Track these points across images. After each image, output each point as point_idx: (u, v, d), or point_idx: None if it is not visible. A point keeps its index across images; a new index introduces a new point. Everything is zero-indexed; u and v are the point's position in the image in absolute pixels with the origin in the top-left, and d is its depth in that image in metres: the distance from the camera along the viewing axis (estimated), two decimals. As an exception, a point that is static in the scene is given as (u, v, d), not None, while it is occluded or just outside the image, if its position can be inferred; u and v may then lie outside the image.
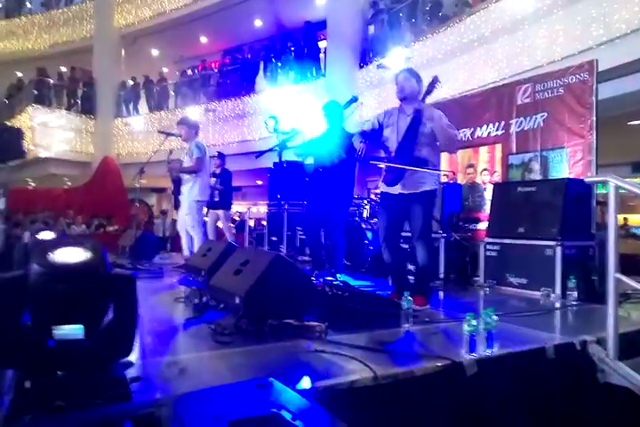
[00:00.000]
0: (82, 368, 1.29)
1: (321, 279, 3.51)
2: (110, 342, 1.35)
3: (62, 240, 1.41)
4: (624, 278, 2.16)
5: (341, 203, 4.21)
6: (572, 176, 4.34)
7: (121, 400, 1.21)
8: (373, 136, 3.27)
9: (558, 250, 3.56)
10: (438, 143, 3.16)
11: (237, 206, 16.12)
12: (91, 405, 1.16)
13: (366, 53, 10.15)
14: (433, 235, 4.40)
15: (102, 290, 1.34)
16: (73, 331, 1.27)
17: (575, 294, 3.42)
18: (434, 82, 3.09)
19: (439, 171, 3.05)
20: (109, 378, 1.32)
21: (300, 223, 6.68)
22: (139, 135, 13.80)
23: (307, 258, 6.14)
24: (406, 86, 3.20)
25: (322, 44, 11.31)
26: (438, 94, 6.96)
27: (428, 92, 3.10)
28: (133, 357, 1.69)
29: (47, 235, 2.12)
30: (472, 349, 1.94)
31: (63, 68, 15.07)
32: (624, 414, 2.18)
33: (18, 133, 6.55)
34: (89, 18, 15.14)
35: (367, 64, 9.76)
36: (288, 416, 0.95)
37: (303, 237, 6.54)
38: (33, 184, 15.57)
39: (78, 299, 1.29)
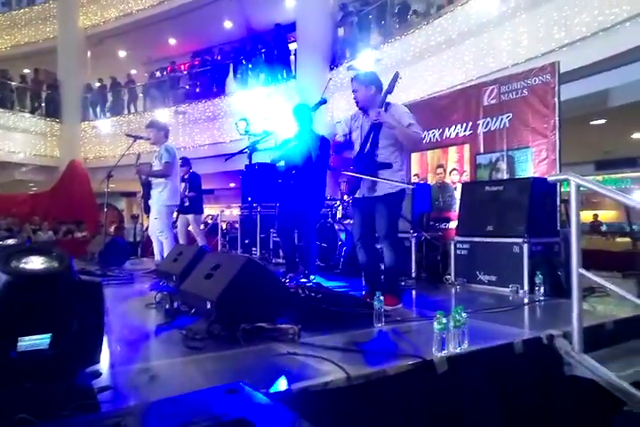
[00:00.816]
0: (47, 379, 1.26)
1: (294, 281, 3.51)
2: (76, 351, 1.31)
3: (25, 247, 1.37)
4: (587, 273, 2.23)
5: (313, 204, 4.22)
6: (537, 175, 4.45)
7: (88, 411, 1.19)
8: (346, 147, 3.31)
9: (525, 247, 3.65)
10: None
11: (210, 210, 15.99)
12: (56, 416, 1.13)
13: (336, 55, 10.21)
14: (404, 235, 4.50)
15: (68, 298, 1.31)
16: (37, 341, 1.24)
17: (542, 289, 3.52)
18: (395, 78, 3.10)
19: (389, 181, 3.06)
20: (76, 388, 1.29)
21: (272, 225, 6.66)
22: (106, 139, 13.53)
23: (281, 260, 6.13)
24: (358, 96, 3.20)
25: (292, 46, 11.33)
26: (408, 96, 7.09)
27: (390, 88, 3.11)
28: (102, 365, 1.66)
29: (10, 242, 2.05)
30: (442, 346, 1.97)
31: (26, 70, 14.65)
32: (590, 406, 2.24)
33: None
34: (52, 18, 14.77)
35: (337, 66, 9.82)
36: (257, 420, 0.95)
37: (277, 239, 6.52)
38: (-4, 190, 15.10)
39: (43, 308, 1.25)
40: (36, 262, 1.27)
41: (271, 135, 4.99)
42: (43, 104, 14.16)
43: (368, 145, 3.14)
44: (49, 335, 1.21)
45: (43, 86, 14.37)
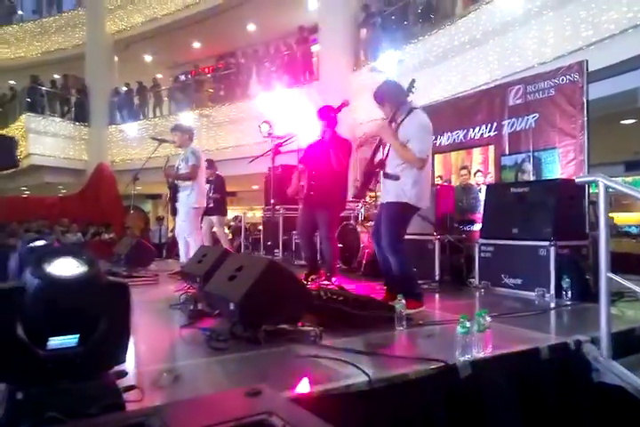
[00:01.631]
0: (74, 378, 1.29)
1: (316, 284, 3.52)
2: (103, 351, 1.34)
3: (56, 250, 1.40)
4: (615, 277, 2.17)
5: (334, 206, 4.23)
6: (564, 176, 4.36)
7: (113, 410, 1.21)
8: None
9: (552, 250, 3.58)
10: None
11: (233, 211, 16.14)
12: (83, 415, 1.16)
13: (359, 57, 10.21)
14: (427, 237, 4.47)
15: (96, 299, 1.34)
16: (66, 341, 1.28)
17: (569, 293, 3.44)
18: (411, 84, 3.10)
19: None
20: (102, 388, 1.31)
21: (294, 228, 6.68)
22: (133, 142, 13.79)
23: (303, 262, 6.14)
24: (382, 111, 3.22)
25: (315, 48, 11.36)
26: (431, 96, 7.03)
27: (402, 99, 3.11)
28: (128, 365, 1.69)
29: (40, 244, 2.12)
30: (466, 351, 1.94)
31: (56, 76, 15.06)
32: (618, 413, 2.18)
33: (11, 142, 6.53)
34: (81, 25, 15.16)
35: (360, 67, 9.80)
36: (278, 423, 0.95)
37: (299, 241, 6.54)
38: (27, 192, 15.53)
39: (72, 310, 1.29)
40: (65, 266, 1.29)
41: (294, 137, 5.02)
42: (72, 109, 14.53)
43: (380, 154, 3.19)
44: (77, 335, 1.24)
45: (72, 91, 14.74)
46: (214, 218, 6.37)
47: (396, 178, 3.08)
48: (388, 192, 3.15)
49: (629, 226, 10.34)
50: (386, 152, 3.15)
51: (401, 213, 3.11)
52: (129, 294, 1.38)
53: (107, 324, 1.33)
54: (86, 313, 1.30)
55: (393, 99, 3.12)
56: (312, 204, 4.18)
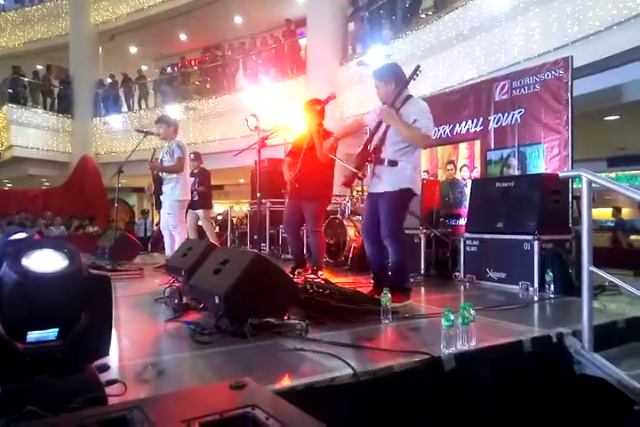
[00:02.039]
0: (55, 372, 1.27)
1: (302, 277, 3.52)
2: (84, 345, 1.32)
3: (36, 242, 1.37)
4: (598, 271, 2.20)
5: (321, 199, 4.23)
6: (548, 171, 4.40)
7: (95, 404, 1.20)
8: None
9: (535, 244, 3.62)
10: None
11: (220, 205, 16.06)
12: (64, 409, 1.14)
13: (346, 51, 10.17)
14: (413, 231, 4.48)
15: (77, 292, 1.32)
16: (45, 335, 1.25)
17: (552, 287, 3.49)
18: (414, 71, 3.03)
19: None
20: (84, 381, 1.30)
21: (281, 221, 6.67)
22: (117, 134, 13.61)
23: (289, 256, 6.14)
24: (379, 93, 3.16)
25: (302, 42, 11.30)
26: (418, 91, 7.03)
27: (408, 80, 3.05)
28: (111, 359, 1.68)
29: (19, 236, 2.08)
30: (450, 343, 1.96)
31: (39, 66, 14.78)
32: (600, 405, 2.22)
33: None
34: (64, 15, 14.88)
35: (348, 61, 9.77)
36: (262, 416, 0.95)
37: (285, 235, 6.54)
38: (9, 185, 15.27)
39: (51, 305, 1.26)
40: (45, 260, 1.26)
41: (280, 131, 4.99)
42: (55, 100, 14.28)
43: (375, 141, 3.12)
44: (57, 329, 1.22)
45: (55, 82, 14.48)
46: (200, 211, 6.33)
47: (394, 164, 3.02)
48: (384, 180, 3.06)
49: (611, 221, 10.50)
50: (379, 138, 3.08)
51: (404, 199, 3.06)
52: (110, 286, 1.36)
53: (88, 317, 1.31)
54: (66, 307, 1.28)
55: (399, 79, 3.07)
56: (298, 197, 4.17)
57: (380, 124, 3.11)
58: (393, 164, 3.03)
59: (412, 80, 3.05)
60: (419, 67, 3.03)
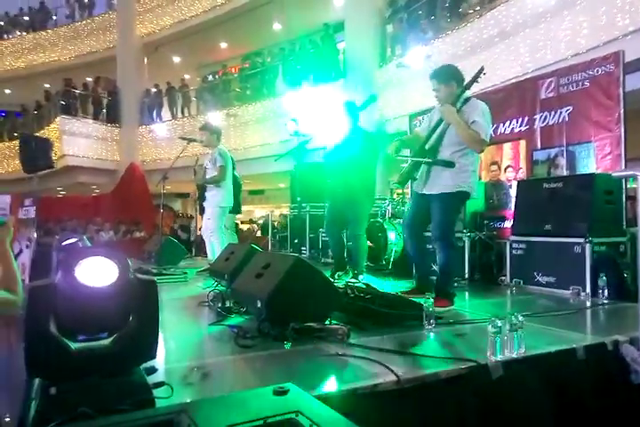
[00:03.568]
0: (105, 374, 1.31)
1: (344, 281, 3.51)
2: (133, 347, 1.36)
3: (87, 252, 1.40)
4: (657, 276, 2.08)
5: (363, 202, 4.21)
6: (600, 171, 4.22)
7: (144, 406, 1.23)
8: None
9: (587, 247, 3.46)
10: None
11: (261, 210, 16.27)
12: (114, 411, 1.18)
13: (385, 53, 10.11)
14: (457, 234, 4.37)
15: (126, 297, 1.36)
16: (96, 338, 1.30)
17: (606, 292, 3.33)
18: (479, 72, 2.99)
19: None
20: (132, 384, 1.33)
21: (321, 225, 6.68)
22: (162, 142, 14.04)
23: (330, 260, 6.13)
24: (439, 95, 3.10)
25: (341, 46, 11.32)
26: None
27: (469, 83, 3.02)
28: (157, 362, 1.71)
29: (71, 241, 2.18)
30: (497, 350, 1.89)
31: (88, 79, 15.45)
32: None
33: (46, 144, 6.71)
34: (112, 28, 15.52)
35: (386, 63, 9.71)
36: (306, 423, 0.94)
37: (326, 238, 6.54)
38: (62, 192, 16.01)
39: (102, 312, 1.30)
40: (96, 270, 1.30)
41: (318, 136, 5.01)
42: (104, 110, 14.88)
43: (432, 141, 3.07)
44: (106, 333, 1.26)
45: (103, 93, 15.10)
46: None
47: (452, 165, 2.96)
48: (438, 182, 3.01)
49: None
50: (439, 139, 3.04)
51: (458, 203, 3.03)
52: (157, 291, 1.39)
53: (135, 321, 1.34)
54: (115, 313, 1.32)
55: (459, 79, 3.04)
56: (340, 201, 4.16)
57: (438, 123, 3.06)
58: (450, 165, 2.97)
59: (476, 82, 3.01)
60: (482, 68, 2.99)
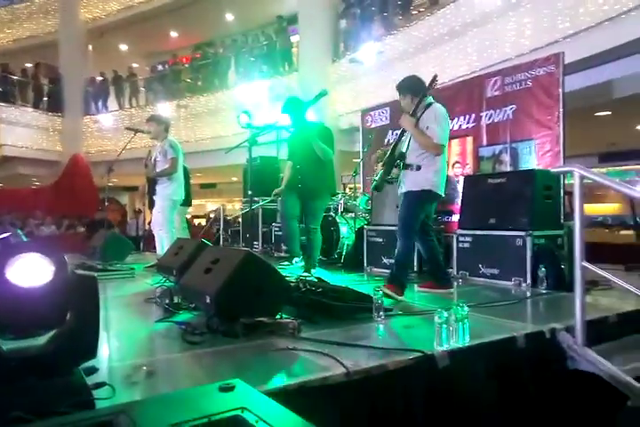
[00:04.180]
0: (42, 375, 1.25)
1: (295, 275, 3.50)
2: (71, 347, 1.30)
3: (18, 249, 1.32)
4: (590, 266, 2.20)
5: (322, 197, 4.27)
6: (540, 167, 4.41)
7: (83, 408, 1.17)
8: None
9: (528, 240, 3.62)
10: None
11: (213, 204, 16.00)
12: (51, 414, 1.12)
13: (338, 48, 10.14)
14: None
15: (63, 294, 1.29)
16: (30, 337, 1.23)
17: (545, 282, 3.49)
18: (433, 80, 3.19)
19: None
20: (71, 385, 1.27)
21: (274, 219, 6.65)
22: (108, 133, 13.51)
23: (283, 254, 6.12)
24: (403, 106, 3.35)
25: (294, 39, 11.25)
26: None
27: (426, 89, 3.22)
28: (100, 361, 1.65)
29: (3, 236, 2.04)
30: (444, 341, 1.95)
31: (28, 64, 14.62)
32: (593, 400, 2.22)
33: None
34: (53, 12, 14.71)
35: (340, 58, 9.74)
36: (251, 418, 0.93)
37: (279, 233, 6.51)
38: (0, 185, 15.12)
39: (36, 311, 1.24)
40: (30, 269, 1.23)
41: (272, 128, 4.97)
42: (45, 98, 14.13)
43: (399, 147, 3.34)
44: (41, 332, 1.20)
45: (44, 80, 14.33)
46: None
47: (418, 168, 3.21)
48: (407, 183, 3.28)
49: (602, 216, 10.57)
50: (406, 145, 3.30)
51: (420, 199, 3.24)
52: (97, 287, 1.33)
53: (74, 319, 1.28)
54: (51, 311, 1.25)
55: (414, 89, 3.26)
56: (300, 195, 4.25)
57: (403, 132, 3.31)
58: (417, 168, 3.22)
59: (430, 89, 3.21)
60: (436, 76, 3.20)
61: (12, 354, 1.19)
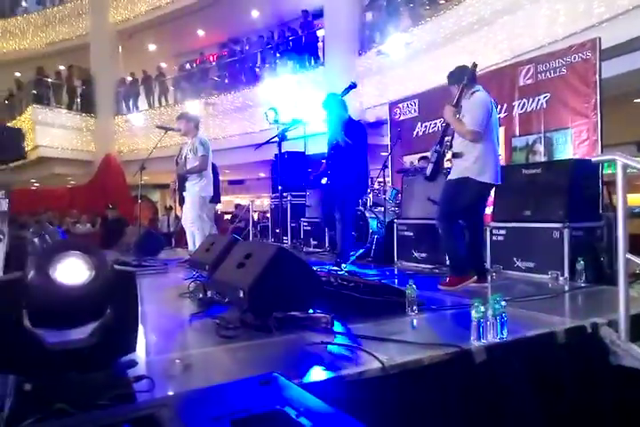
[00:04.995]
0: (83, 369, 1.27)
1: (326, 269, 3.50)
2: (111, 341, 1.32)
3: (61, 249, 1.34)
4: (634, 258, 2.12)
5: (352, 191, 4.27)
6: (577, 157, 4.27)
7: (123, 401, 1.19)
8: None
9: (565, 232, 3.51)
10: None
11: (242, 200, 16.15)
12: (92, 407, 1.14)
13: (365, 40, 10.04)
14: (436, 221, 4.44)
15: (103, 289, 1.31)
16: (73, 331, 1.26)
17: (584, 276, 3.38)
18: (473, 68, 3.30)
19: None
20: (112, 378, 1.30)
21: (303, 214, 6.66)
22: (139, 132, 13.76)
23: (312, 249, 6.13)
24: (452, 93, 3.37)
25: (320, 33, 11.19)
26: (439, 79, 6.91)
27: (463, 79, 3.26)
28: (138, 355, 1.68)
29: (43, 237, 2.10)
30: (480, 335, 1.91)
31: (61, 67, 15.01)
32: (637, 396, 2.15)
33: (18, 134, 6.49)
34: (84, 15, 15.03)
35: (366, 51, 9.65)
36: (292, 413, 0.92)
37: (308, 228, 6.52)
38: (37, 184, 15.63)
39: (79, 305, 1.26)
40: (72, 269, 1.25)
41: (300, 124, 4.97)
42: (78, 100, 14.49)
43: (448, 137, 3.41)
44: (82, 326, 1.22)
45: (77, 82, 14.70)
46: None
47: (459, 155, 3.27)
48: (453, 171, 3.33)
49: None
50: (452, 133, 3.37)
51: (456, 187, 3.26)
52: (135, 282, 1.35)
53: (114, 314, 1.31)
54: (93, 306, 1.28)
55: (458, 81, 3.30)
56: (330, 191, 4.30)
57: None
58: (458, 155, 3.28)
59: (472, 77, 3.29)
60: (475, 64, 3.34)
61: (56, 347, 1.22)
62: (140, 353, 1.86)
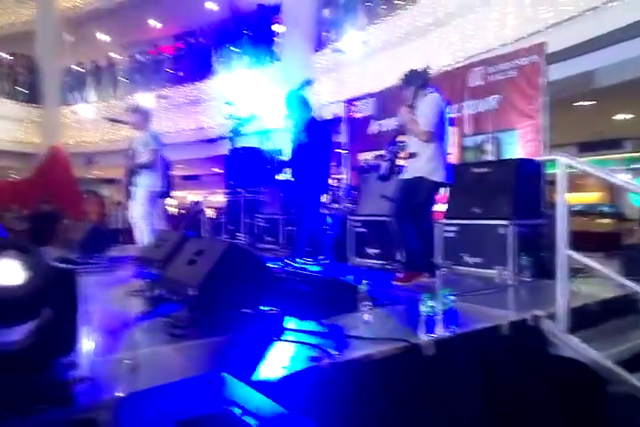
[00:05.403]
0: (19, 371, 1.21)
1: (280, 264, 3.50)
2: (49, 342, 1.26)
3: None
4: (573, 254, 2.22)
5: (314, 189, 4.28)
6: (522, 157, 4.44)
7: (62, 405, 1.14)
8: None
9: (510, 229, 3.64)
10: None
11: (195, 196, 15.85)
12: (29, 411, 1.09)
13: (321, 37, 10.04)
14: (389, 218, 4.50)
15: (41, 288, 1.25)
16: (5, 333, 1.19)
17: (528, 271, 3.52)
18: (425, 71, 3.40)
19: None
20: (50, 381, 1.24)
21: (257, 211, 6.60)
22: (87, 124, 13.22)
23: (266, 246, 6.09)
24: (405, 95, 3.45)
25: (276, 28, 11.10)
26: (393, 78, 7.01)
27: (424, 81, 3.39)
28: (83, 356, 1.61)
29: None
30: (429, 329, 1.95)
31: (3, 54, 14.19)
32: (575, 385, 2.26)
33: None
34: (29, 0, 14.25)
35: (322, 48, 9.65)
36: (238, 412, 0.91)
37: (262, 224, 6.47)
38: (-25, 178, 14.75)
39: (12, 308, 1.19)
40: (7, 270, 1.18)
41: (256, 119, 4.92)
42: (21, 89, 13.76)
43: (401, 137, 3.52)
44: (16, 327, 1.16)
45: (20, 70, 13.94)
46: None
47: (413, 155, 3.38)
48: (407, 170, 3.44)
49: (581, 205, 10.75)
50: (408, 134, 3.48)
51: (411, 187, 3.36)
52: (75, 281, 1.30)
53: (52, 313, 1.25)
54: (29, 306, 1.22)
55: (412, 83, 3.41)
56: (292, 189, 4.38)
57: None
58: (413, 155, 3.39)
59: (425, 79, 3.41)
60: (427, 67, 3.46)
61: (-12, 351, 1.15)
62: (85, 354, 1.79)
